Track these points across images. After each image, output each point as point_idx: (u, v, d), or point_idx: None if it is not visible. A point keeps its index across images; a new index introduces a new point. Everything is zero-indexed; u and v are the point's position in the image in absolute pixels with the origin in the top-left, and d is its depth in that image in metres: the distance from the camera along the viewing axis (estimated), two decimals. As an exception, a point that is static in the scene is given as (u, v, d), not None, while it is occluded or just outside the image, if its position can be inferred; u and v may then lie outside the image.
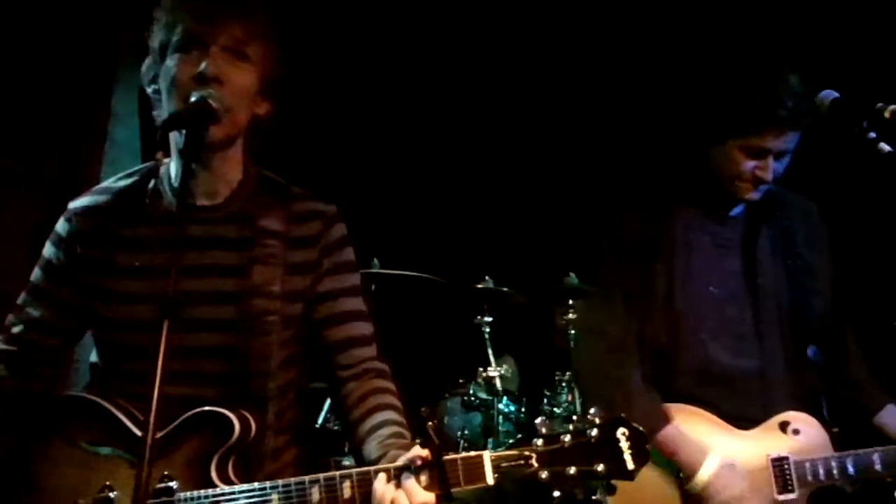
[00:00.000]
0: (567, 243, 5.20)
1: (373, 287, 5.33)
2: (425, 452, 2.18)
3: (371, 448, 2.46)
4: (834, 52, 5.11)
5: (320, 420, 5.07)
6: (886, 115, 2.60)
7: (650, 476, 3.06)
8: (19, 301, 2.63)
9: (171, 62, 2.41)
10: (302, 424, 2.69)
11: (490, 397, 5.10)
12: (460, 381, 5.29)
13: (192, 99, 2.31)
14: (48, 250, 2.61)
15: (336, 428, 4.92)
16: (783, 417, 3.13)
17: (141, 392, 2.21)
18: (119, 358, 2.53)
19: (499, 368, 5.18)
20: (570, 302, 5.29)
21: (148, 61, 2.50)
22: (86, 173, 4.54)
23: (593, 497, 3.78)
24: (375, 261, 5.29)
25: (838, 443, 3.13)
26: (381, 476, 2.22)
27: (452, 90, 6.14)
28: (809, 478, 3.04)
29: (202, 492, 2.32)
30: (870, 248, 4.90)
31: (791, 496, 3.03)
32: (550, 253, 5.70)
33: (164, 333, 1.97)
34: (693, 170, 3.24)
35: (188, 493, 2.32)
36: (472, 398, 5.17)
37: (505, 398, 5.13)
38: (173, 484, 2.31)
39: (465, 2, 5.83)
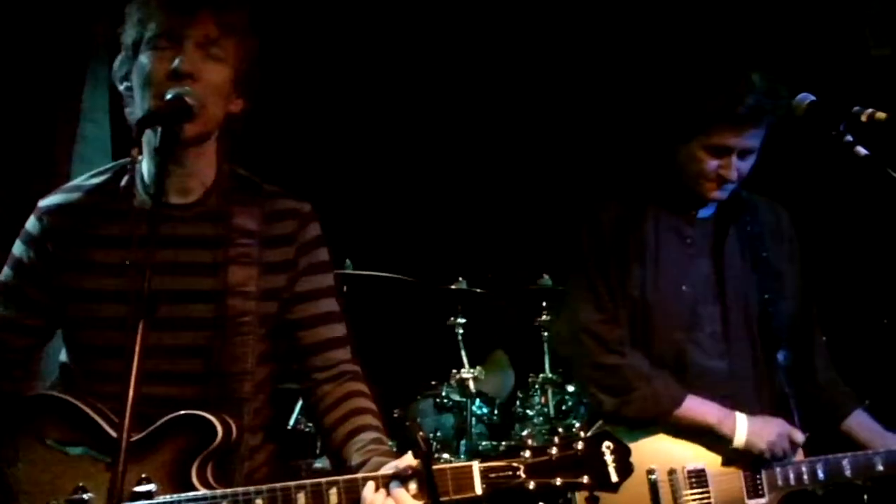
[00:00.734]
0: (541, 245, 5.20)
1: (345, 288, 5.30)
2: (415, 461, 2.20)
3: (351, 453, 2.46)
4: (808, 55, 5.17)
5: (291, 421, 5.04)
6: (863, 118, 2.61)
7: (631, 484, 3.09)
8: None
9: (144, 59, 2.38)
10: (275, 422, 2.67)
11: (463, 399, 5.09)
12: (433, 382, 5.28)
13: (168, 96, 2.29)
14: (18, 249, 2.56)
15: (308, 430, 4.89)
16: None
17: (114, 392, 2.26)
18: (91, 357, 2.49)
19: (472, 370, 5.14)
20: (544, 304, 5.30)
21: (120, 58, 2.47)
22: (56, 171, 4.50)
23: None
24: (348, 262, 5.26)
25: (808, 448, 3.16)
26: (370, 484, 2.23)
27: (427, 91, 6.15)
28: (780, 482, 3.09)
29: (183, 495, 2.30)
30: (847, 250, 4.95)
31: (761, 501, 3.07)
32: (524, 254, 5.70)
33: (140, 332, 1.95)
34: (663, 170, 3.26)
35: (168, 497, 2.30)
36: (445, 399, 5.16)
37: (478, 400, 5.12)
38: (152, 486, 2.30)
39: (439, 3, 5.83)
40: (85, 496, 2.34)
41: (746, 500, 3.06)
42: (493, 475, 2.18)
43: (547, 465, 2.17)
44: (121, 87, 2.48)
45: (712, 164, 3.09)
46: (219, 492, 2.29)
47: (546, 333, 5.28)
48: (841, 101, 2.68)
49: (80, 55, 4.62)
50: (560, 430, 4.79)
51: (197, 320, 2.45)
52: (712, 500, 3.06)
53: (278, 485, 2.26)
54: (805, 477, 3.08)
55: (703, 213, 3.27)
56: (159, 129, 2.26)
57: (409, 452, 2.23)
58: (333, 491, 2.23)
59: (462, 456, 4.84)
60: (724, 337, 3.20)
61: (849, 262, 5.08)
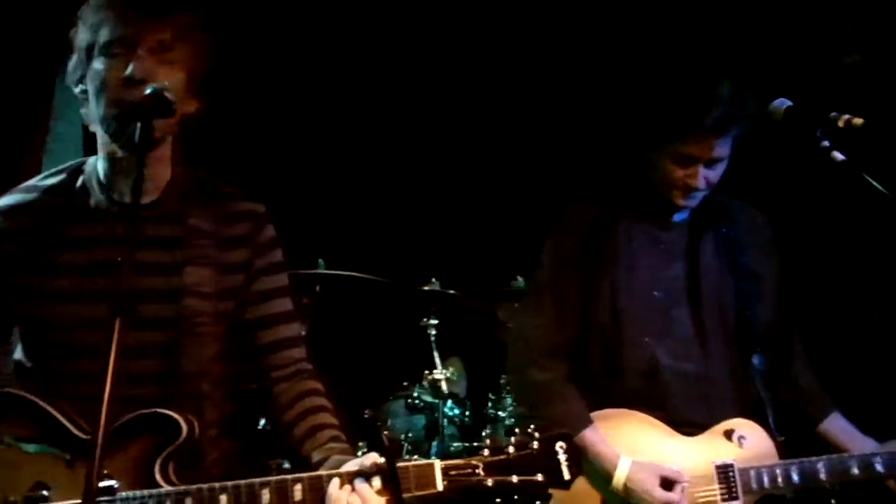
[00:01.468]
0: (515, 247, 5.21)
1: (318, 288, 5.29)
2: (380, 459, 2.28)
3: (310, 450, 2.52)
4: (779, 61, 5.21)
5: (263, 421, 5.01)
6: (840, 123, 2.64)
7: (581, 482, 3.06)
8: None
9: (98, 65, 2.40)
10: (237, 420, 2.71)
11: (435, 400, 5.10)
12: (405, 383, 5.28)
13: (147, 91, 2.30)
14: None
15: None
16: (728, 424, 3.16)
17: (76, 391, 2.36)
18: (53, 357, 2.49)
19: (444, 371, 5.17)
20: (517, 305, 5.30)
21: (74, 60, 2.48)
22: (27, 166, 4.46)
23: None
24: (321, 261, 5.25)
25: (784, 452, 3.16)
26: (335, 481, 2.29)
27: (403, 93, 6.15)
28: (754, 485, 3.08)
29: (147, 492, 2.33)
30: (828, 253, 5.00)
31: (736, 503, 3.06)
32: (498, 256, 5.71)
33: (117, 331, 1.95)
34: (637, 176, 3.27)
35: (131, 493, 2.32)
36: (417, 401, 5.16)
37: (450, 401, 5.13)
38: (114, 482, 2.32)
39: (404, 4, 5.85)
40: (44, 492, 2.35)
41: (720, 503, 3.05)
42: (453, 472, 2.28)
43: (504, 463, 2.28)
44: (76, 90, 2.49)
45: (679, 172, 3.10)
46: (182, 488, 2.33)
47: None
48: (814, 107, 2.71)
49: (51, 52, 4.59)
50: (530, 431, 4.81)
51: (156, 320, 2.47)
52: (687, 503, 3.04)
53: (243, 481, 2.31)
54: (780, 480, 3.07)
55: (678, 217, 3.27)
56: (139, 125, 2.25)
57: (373, 451, 2.32)
58: (298, 487, 2.29)
59: (433, 457, 4.84)
60: (699, 341, 3.21)
61: (830, 264, 5.12)
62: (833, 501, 3.96)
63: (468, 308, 5.40)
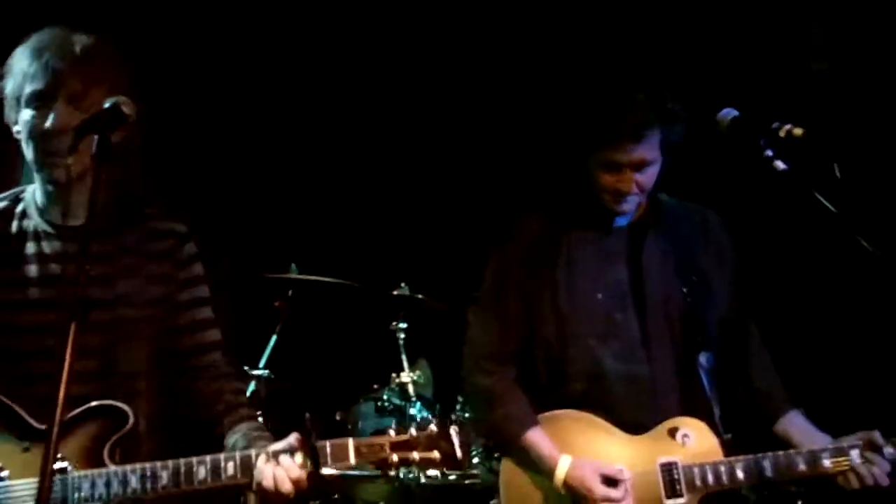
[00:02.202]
0: (484, 252, 5.26)
1: (290, 292, 5.35)
2: (301, 438, 2.64)
3: (236, 439, 2.80)
4: (748, 69, 5.30)
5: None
6: (781, 133, 2.72)
7: (528, 484, 3.21)
8: None
9: (25, 115, 2.70)
10: (168, 415, 2.95)
11: (403, 402, 5.14)
12: (374, 386, 5.32)
13: (105, 105, 2.50)
14: None
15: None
16: (673, 423, 3.19)
17: (29, 392, 2.67)
18: (6, 361, 2.75)
19: (412, 374, 5.23)
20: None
21: (7, 104, 2.75)
22: (4, 177, 4.48)
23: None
24: (293, 265, 5.32)
25: (731, 449, 3.16)
26: (263, 457, 2.60)
27: (370, 99, 6.21)
28: (698, 482, 3.09)
29: (95, 471, 2.62)
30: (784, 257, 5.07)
31: (680, 500, 3.07)
32: (467, 261, 5.74)
33: (72, 335, 2.22)
34: (577, 182, 3.30)
35: (82, 472, 2.62)
36: (386, 403, 5.19)
37: (418, 403, 5.17)
38: (66, 464, 2.61)
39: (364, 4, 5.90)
40: (2, 474, 2.63)
41: (664, 501, 3.07)
42: (364, 449, 2.60)
43: (407, 443, 2.61)
44: (13, 130, 2.77)
45: (610, 178, 3.14)
46: (128, 466, 2.61)
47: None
48: (777, 115, 2.76)
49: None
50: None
51: (95, 324, 2.69)
52: (630, 500, 3.07)
53: (182, 459, 2.60)
54: (724, 477, 3.07)
55: (620, 221, 3.31)
56: (95, 137, 2.44)
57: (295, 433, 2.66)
58: (231, 464, 2.60)
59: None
60: (644, 343, 3.24)
61: (780, 266, 5.21)
62: (800, 502, 4.02)
63: (437, 312, 5.45)
